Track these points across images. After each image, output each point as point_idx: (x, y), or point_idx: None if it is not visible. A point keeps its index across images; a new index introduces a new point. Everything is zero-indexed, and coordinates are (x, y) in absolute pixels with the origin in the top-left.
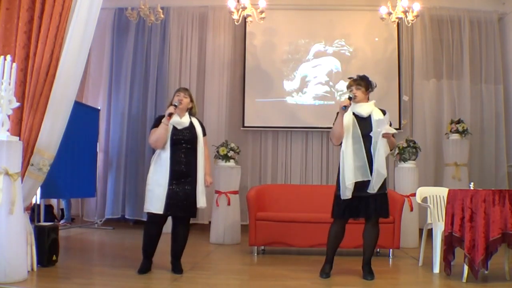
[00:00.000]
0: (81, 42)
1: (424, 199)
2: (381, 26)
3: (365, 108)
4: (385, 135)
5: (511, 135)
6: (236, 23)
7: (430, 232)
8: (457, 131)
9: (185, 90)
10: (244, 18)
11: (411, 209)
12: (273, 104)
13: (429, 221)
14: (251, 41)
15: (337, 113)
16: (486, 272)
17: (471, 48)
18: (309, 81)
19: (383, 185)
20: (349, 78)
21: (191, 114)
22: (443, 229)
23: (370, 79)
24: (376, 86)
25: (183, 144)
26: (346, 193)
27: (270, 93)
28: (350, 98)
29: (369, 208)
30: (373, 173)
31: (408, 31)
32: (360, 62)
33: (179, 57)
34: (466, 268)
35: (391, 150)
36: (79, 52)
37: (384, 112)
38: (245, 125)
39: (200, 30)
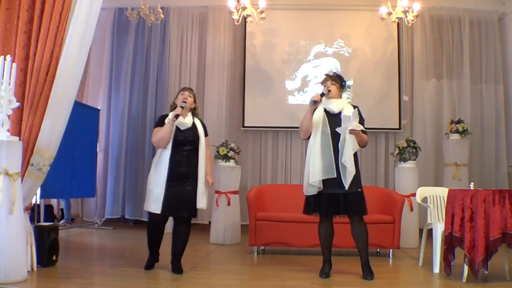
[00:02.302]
0: (81, 42)
1: (424, 199)
2: (381, 26)
3: (336, 105)
4: (352, 132)
5: (511, 135)
6: (236, 23)
7: (430, 232)
8: (457, 131)
9: (190, 90)
10: (244, 18)
11: (411, 209)
12: (273, 104)
13: (429, 221)
14: (251, 41)
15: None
16: (486, 272)
17: (471, 48)
18: (309, 81)
19: (356, 183)
20: (325, 74)
21: (194, 114)
22: (443, 229)
23: (345, 79)
24: (349, 87)
25: (185, 145)
26: (310, 189)
27: (270, 93)
28: (322, 95)
29: (339, 205)
30: (340, 169)
31: (408, 31)
32: (360, 62)
33: (179, 57)
34: (466, 268)
35: (362, 147)
36: (79, 52)
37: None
38: (245, 125)
39: (200, 30)
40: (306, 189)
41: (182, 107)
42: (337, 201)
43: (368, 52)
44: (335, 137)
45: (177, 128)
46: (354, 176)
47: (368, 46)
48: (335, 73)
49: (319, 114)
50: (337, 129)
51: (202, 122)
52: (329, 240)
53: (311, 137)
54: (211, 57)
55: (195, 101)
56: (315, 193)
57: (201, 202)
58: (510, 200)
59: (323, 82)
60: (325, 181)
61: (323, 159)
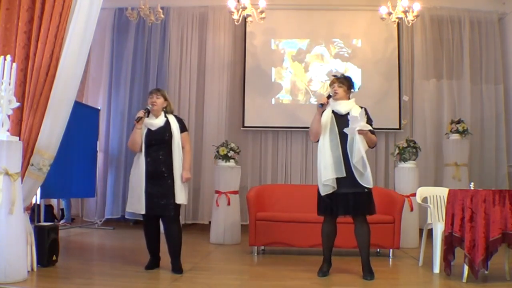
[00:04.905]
0: (81, 42)
1: (424, 199)
2: (381, 26)
3: (344, 106)
4: (359, 132)
5: (511, 135)
6: (236, 23)
7: (430, 232)
8: (457, 131)
9: (157, 91)
10: (244, 18)
11: (411, 209)
12: (273, 104)
13: (429, 221)
14: (251, 41)
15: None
16: (486, 272)
17: (471, 48)
18: (309, 81)
19: (366, 182)
20: (333, 75)
21: (167, 112)
22: (443, 229)
23: (353, 80)
24: (358, 89)
25: (158, 145)
26: (324, 189)
27: (270, 93)
28: (328, 97)
29: (348, 205)
30: (352, 169)
31: (408, 31)
32: (360, 62)
33: (179, 57)
34: (466, 268)
35: (371, 147)
36: (79, 52)
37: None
38: (245, 125)
39: (200, 30)
40: (321, 189)
41: (146, 109)
42: (346, 201)
43: (368, 52)
44: (344, 138)
45: (149, 129)
46: (364, 176)
47: (368, 46)
48: (343, 74)
49: (327, 115)
50: (344, 130)
51: (179, 118)
52: (332, 240)
53: (320, 139)
54: (211, 57)
55: (166, 99)
56: (330, 192)
57: (180, 198)
58: (510, 200)
59: (330, 84)
60: (337, 181)
61: (332, 158)
